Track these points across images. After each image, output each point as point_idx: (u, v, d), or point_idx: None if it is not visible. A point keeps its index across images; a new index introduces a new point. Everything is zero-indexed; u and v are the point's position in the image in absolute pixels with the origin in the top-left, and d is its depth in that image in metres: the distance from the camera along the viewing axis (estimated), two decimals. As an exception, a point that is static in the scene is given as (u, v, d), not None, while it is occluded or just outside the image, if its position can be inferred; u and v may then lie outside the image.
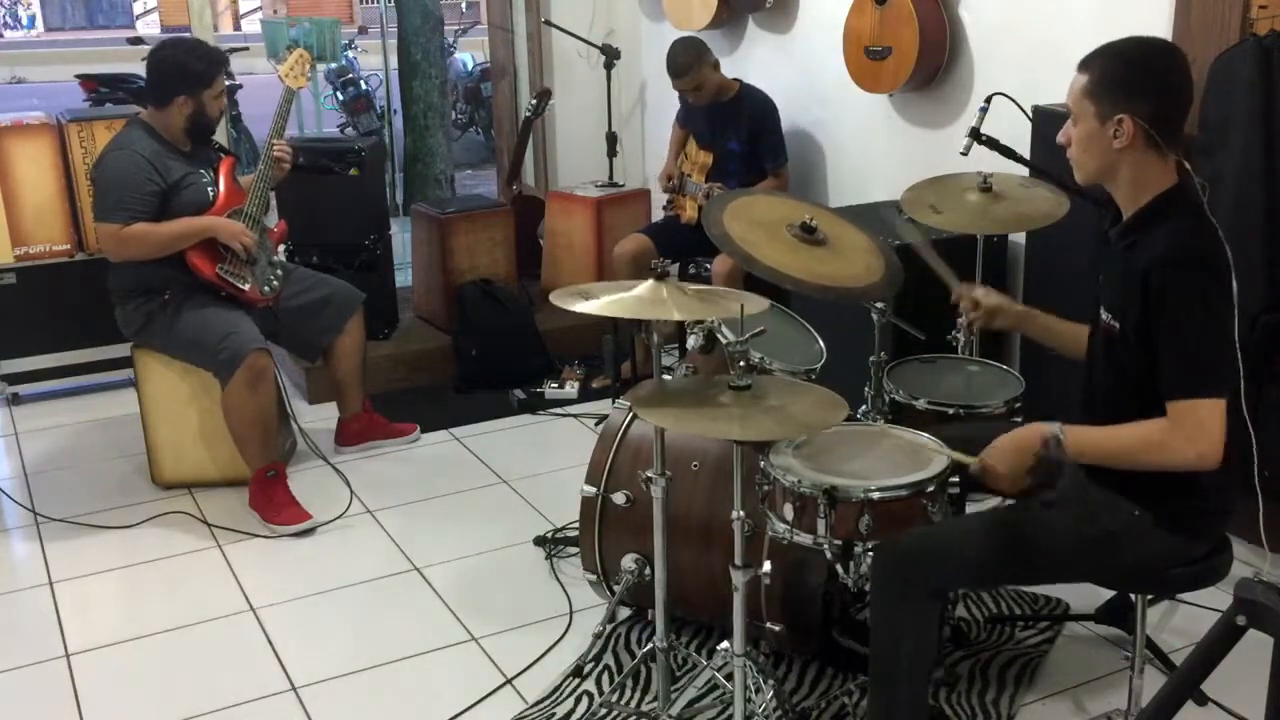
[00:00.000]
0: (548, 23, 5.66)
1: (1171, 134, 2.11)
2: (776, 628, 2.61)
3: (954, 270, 2.76)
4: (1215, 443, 1.99)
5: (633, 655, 2.81)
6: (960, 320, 2.71)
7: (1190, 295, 2.02)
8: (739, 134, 4.47)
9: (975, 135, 3.11)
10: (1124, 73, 2.10)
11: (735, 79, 4.56)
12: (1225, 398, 2.01)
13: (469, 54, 11.75)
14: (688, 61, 4.39)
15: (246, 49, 9.00)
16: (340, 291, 3.94)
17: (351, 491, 3.76)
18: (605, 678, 2.74)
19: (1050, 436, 2.10)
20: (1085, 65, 2.15)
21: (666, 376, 2.44)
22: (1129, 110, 2.07)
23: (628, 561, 2.73)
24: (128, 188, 3.46)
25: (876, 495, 2.21)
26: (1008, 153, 3.13)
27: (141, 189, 3.47)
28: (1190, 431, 2.00)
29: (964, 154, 3.13)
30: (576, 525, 2.90)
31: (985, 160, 3.12)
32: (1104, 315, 2.19)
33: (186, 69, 3.53)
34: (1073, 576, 2.30)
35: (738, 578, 2.24)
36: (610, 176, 5.47)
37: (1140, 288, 2.05)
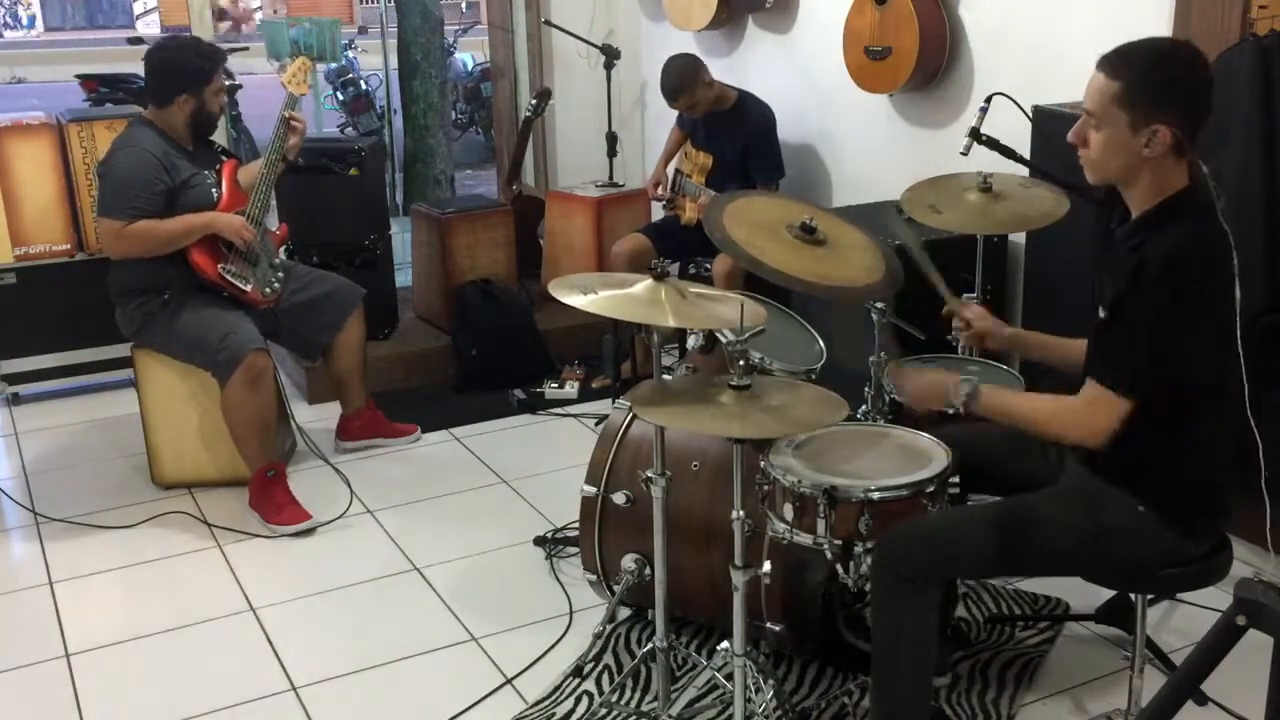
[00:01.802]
0: (548, 23, 5.66)
1: (1196, 139, 2.09)
2: (776, 628, 2.61)
3: (952, 273, 2.76)
4: (1104, 434, 2.09)
5: (633, 655, 2.81)
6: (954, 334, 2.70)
7: (1167, 297, 2.03)
8: (735, 145, 4.47)
9: (975, 135, 3.11)
10: (1161, 82, 2.05)
11: (735, 88, 4.56)
12: (1133, 404, 2.07)
13: (469, 54, 11.74)
14: (679, 85, 4.40)
15: (246, 49, 8.99)
16: (340, 288, 3.94)
17: (351, 491, 3.76)
18: (605, 678, 2.74)
19: (967, 382, 2.22)
20: (1114, 71, 2.07)
21: (666, 376, 2.44)
22: (1166, 121, 2.03)
23: (628, 561, 2.73)
24: (136, 185, 3.46)
25: (876, 495, 2.21)
26: (1008, 153, 3.13)
27: (149, 187, 3.47)
28: (1092, 414, 2.10)
29: (964, 154, 3.13)
30: (576, 525, 2.90)
31: (985, 160, 3.12)
32: (1102, 314, 2.19)
33: (187, 67, 3.53)
34: (1071, 571, 2.31)
35: (738, 578, 2.24)
36: (610, 176, 5.46)
37: (1132, 280, 2.05)
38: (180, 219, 3.52)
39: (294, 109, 3.78)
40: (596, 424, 4.27)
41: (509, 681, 2.76)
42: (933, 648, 2.25)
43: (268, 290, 3.69)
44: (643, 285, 2.27)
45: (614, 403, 4.31)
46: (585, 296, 2.24)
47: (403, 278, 5.35)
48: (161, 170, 3.49)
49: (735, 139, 4.47)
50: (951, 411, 2.28)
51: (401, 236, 5.96)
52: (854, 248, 2.63)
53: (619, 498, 2.72)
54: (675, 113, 4.79)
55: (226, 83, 3.70)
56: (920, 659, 2.21)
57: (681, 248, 4.59)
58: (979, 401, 2.21)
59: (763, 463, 2.34)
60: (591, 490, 2.79)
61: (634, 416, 2.81)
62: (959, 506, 2.39)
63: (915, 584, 2.16)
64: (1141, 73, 2.05)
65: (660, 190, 4.72)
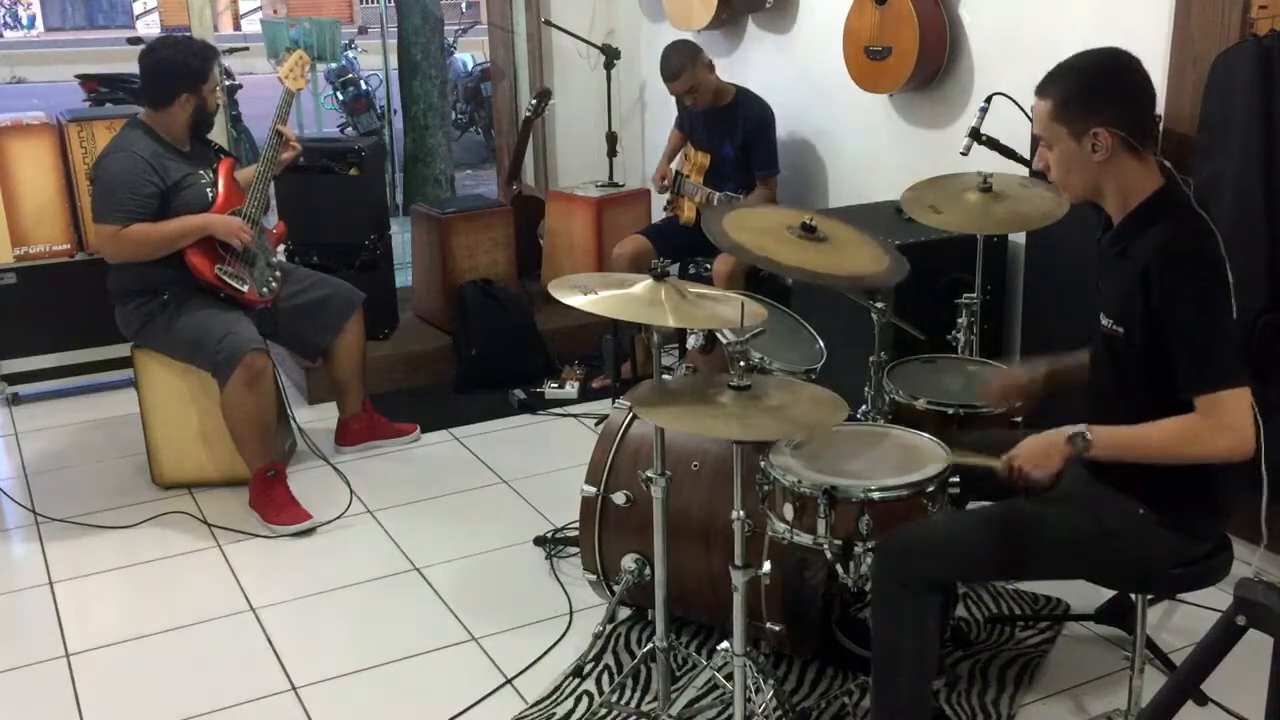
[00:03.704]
0: (548, 23, 5.66)
1: (1146, 136, 2.13)
2: (776, 628, 2.61)
3: (953, 274, 2.73)
4: (1246, 432, 2.00)
5: (633, 655, 2.81)
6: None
7: (1195, 290, 2.03)
8: (734, 140, 4.47)
9: (975, 135, 3.11)
10: (1086, 87, 2.13)
11: (733, 84, 4.56)
12: (1248, 385, 2.01)
13: (469, 54, 11.75)
14: (680, 64, 4.39)
15: (246, 49, 8.99)
16: (340, 291, 3.94)
17: (351, 491, 3.76)
18: (605, 678, 2.74)
19: (1076, 435, 2.10)
20: (1043, 90, 2.17)
21: (666, 376, 2.44)
22: (1102, 122, 2.09)
23: (628, 561, 2.73)
24: (127, 189, 3.46)
25: (876, 495, 2.21)
26: (1008, 153, 3.13)
27: (140, 190, 3.47)
28: (1221, 423, 2.00)
29: (964, 154, 3.13)
30: (576, 525, 2.90)
31: (985, 160, 3.12)
32: (1105, 321, 2.19)
33: (186, 68, 3.53)
34: (1072, 573, 2.30)
35: (738, 578, 2.24)
36: (610, 176, 5.47)
37: (1141, 288, 2.06)
38: (177, 221, 3.52)
39: (292, 103, 3.79)
40: (596, 424, 4.27)
41: (509, 681, 2.76)
42: (934, 651, 2.25)
43: (265, 290, 3.69)
44: (643, 285, 2.27)
45: (614, 403, 4.31)
46: (585, 296, 2.24)
47: (403, 278, 5.35)
48: (151, 172, 3.48)
49: (733, 135, 4.47)
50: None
51: (401, 236, 5.96)
52: (854, 243, 2.63)
53: (619, 498, 2.72)
54: (675, 113, 4.79)
55: (226, 82, 3.69)
56: (921, 663, 2.21)
57: (682, 248, 4.59)
58: (1095, 445, 2.09)
59: (763, 463, 2.33)
60: (591, 490, 2.78)
61: (634, 416, 2.81)
62: (959, 511, 2.39)
63: (916, 589, 2.15)
64: (1066, 84, 2.14)
65: (665, 182, 4.70)
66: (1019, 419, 2.72)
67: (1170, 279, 2.03)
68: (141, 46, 3.67)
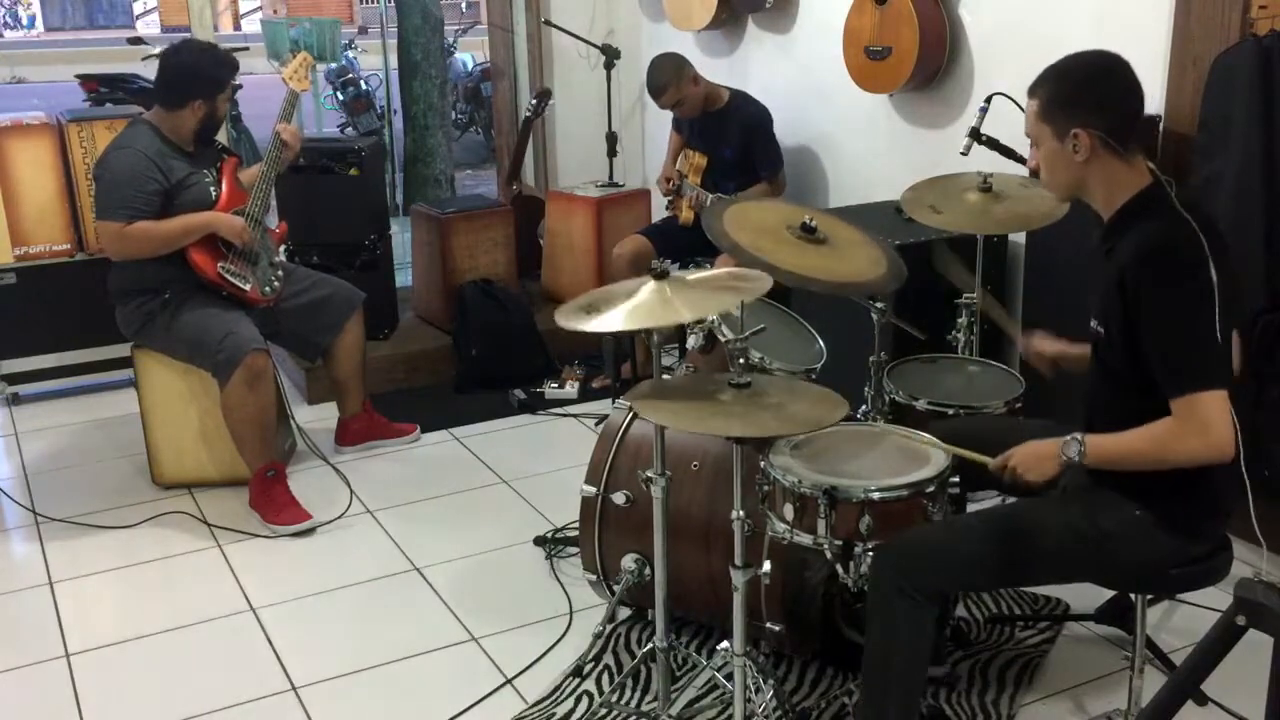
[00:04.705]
0: (548, 23, 5.66)
1: (1127, 137, 2.14)
2: (776, 628, 2.61)
3: (952, 274, 2.73)
4: (1224, 433, 2.00)
5: (633, 655, 2.81)
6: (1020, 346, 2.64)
7: (1168, 292, 2.03)
8: (730, 143, 4.47)
9: (975, 135, 3.11)
10: (1068, 88, 2.15)
11: (727, 88, 4.56)
12: (1225, 388, 2.01)
13: (469, 54, 11.76)
14: (664, 81, 4.39)
15: (246, 49, 8.99)
16: (340, 291, 3.94)
17: (351, 491, 3.76)
18: (605, 678, 2.74)
19: (1070, 441, 2.11)
20: (1032, 91, 2.20)
21: (666, 376, 2.44)
22: (1081, 123, 2.11)
23: (628, 561, 2.73)
24: (131, 186, 3.46)
25: (877, 495, 2.21)
26: (1008, 153, 3.13)
27: (144, 188, 3.47)
28: (1198, 426, 2.00)
29: (964, 154, 3.13)
30: (576, 525, 2.90)
31: (985, 160, 3.12)
32: (1093, 323, 2.20)
33: (208, 74, 3.54)
34: (1072, 577, 2.30)
35: (738, 578, 2.24)
36: (610, 176, 5.47)
37: (1118, 290, 2.07)
38: (180, 219, 3.52)
39: (296, 104, 3.79)
40: (596, 424, 4.27)
41: (509, 681, 2.76)
42: (925, 664, 2.23)
43: (267, 289, 3.69)
44: (646, 289, 2.21)
45: (614, 403, 4.31)
46: (593, 318, 2.17)
47: (403, 278, 5.35)
48: (155, 170, 3.48)
49: (728, 137, 4.47)
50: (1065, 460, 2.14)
51: (401, 236, 5.96)
52: (854, 244, 2.63)
53: (619, 498, 2.72)
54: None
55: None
56: (912, 675, 2.19)
57: (682, 248, 4.58)
58: (1086, 450, 2.10)
59: (763, 463, 2.33)
60: (591, 490, 2.79)
61: (634, 416, 2.81)
62: (958, 518, 2.39)
63: (915, 600, 2.14)
64: (1051, 85, 2.17)
65: (670, 185, 4.70)
66: (1019, 405, 2.73)
67: (1144, 280, 2.04)
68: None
